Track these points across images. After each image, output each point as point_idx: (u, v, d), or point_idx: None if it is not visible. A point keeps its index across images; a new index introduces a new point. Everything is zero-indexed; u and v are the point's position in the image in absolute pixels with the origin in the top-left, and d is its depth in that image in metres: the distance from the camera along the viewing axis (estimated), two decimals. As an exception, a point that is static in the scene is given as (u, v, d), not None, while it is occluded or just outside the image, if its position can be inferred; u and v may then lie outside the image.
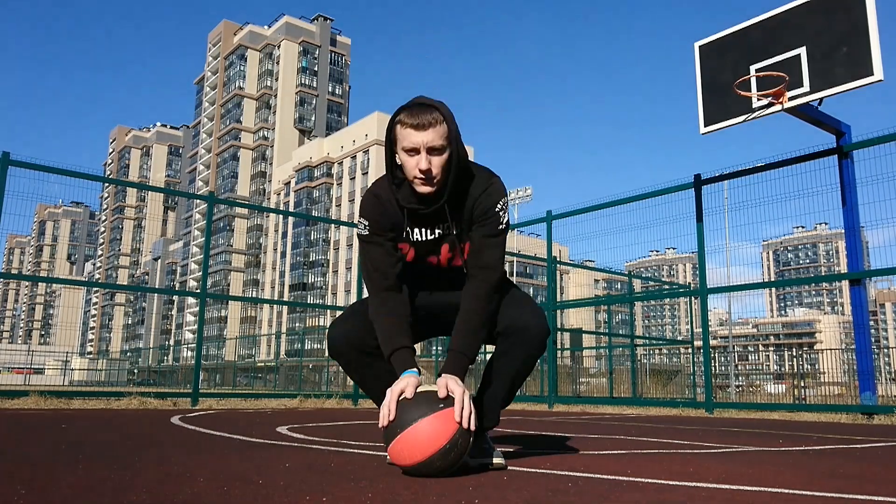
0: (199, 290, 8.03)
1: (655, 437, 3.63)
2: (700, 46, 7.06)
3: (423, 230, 2.04)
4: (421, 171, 1.89)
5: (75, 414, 5.01)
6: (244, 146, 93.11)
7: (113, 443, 2.72)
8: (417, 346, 2.20)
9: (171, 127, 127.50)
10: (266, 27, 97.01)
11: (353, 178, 75.45)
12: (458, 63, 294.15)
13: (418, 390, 1.84)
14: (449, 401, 1.80)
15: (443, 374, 1.89)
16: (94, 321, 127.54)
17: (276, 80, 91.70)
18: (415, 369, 1.90)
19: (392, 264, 2.05)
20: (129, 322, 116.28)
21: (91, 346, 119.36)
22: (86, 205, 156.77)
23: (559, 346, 14.48)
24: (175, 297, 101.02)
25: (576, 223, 9.39)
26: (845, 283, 7.02)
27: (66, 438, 2.84)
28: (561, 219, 9.54)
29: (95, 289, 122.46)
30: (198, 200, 78.82)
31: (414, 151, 1.89)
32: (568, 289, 32.01)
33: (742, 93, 6.43)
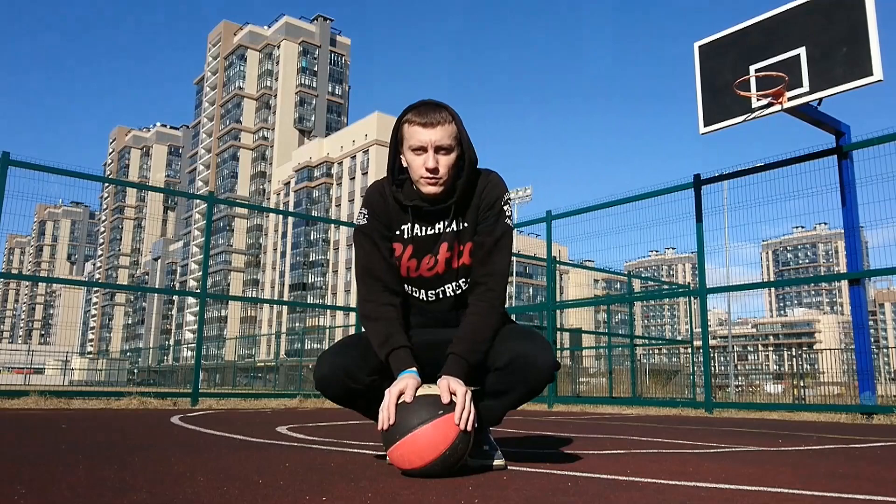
0: (199, 290, 8.05)
1: (655, 437, 3.63)
2: (700, 46, 7.06)
3: (423, 227, 2.01)
4: (428, 169, 1.88)
5: (75, 414, 5.02)
6: (244, 146, 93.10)
7: (113, 443, 2.72)
8: None
9: (171, 127, 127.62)
10: (266, 27, 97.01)
11: (352, 179, 75.45)
12: (457, 63, 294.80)
13: (418, 393, 1.79)
14: (450, 406, 1.74)
15: (443, 376, 1.83)
16: (94, 321, 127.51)
17: (276, 80, 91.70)
18: (413, 369, 1.85)
19: (386, 264, 2.01)
20: (129, 322, 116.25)
21: (91, 346, 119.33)
22: (86, 205, 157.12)
23: (559, 346, 14.48)
24: (175, 297, 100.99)
25: (575, 223, 9.43)
26: (845, 283, 7.02)
27: (66, 438, 2.84)
28: (560, 219, 9.55)
29: (95, 289, 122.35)
30: (198, 200, 78.91)
31: (421, 150, 1.89)
32: (567, 289, 32.04)
33: (742, 93, 6.43)
